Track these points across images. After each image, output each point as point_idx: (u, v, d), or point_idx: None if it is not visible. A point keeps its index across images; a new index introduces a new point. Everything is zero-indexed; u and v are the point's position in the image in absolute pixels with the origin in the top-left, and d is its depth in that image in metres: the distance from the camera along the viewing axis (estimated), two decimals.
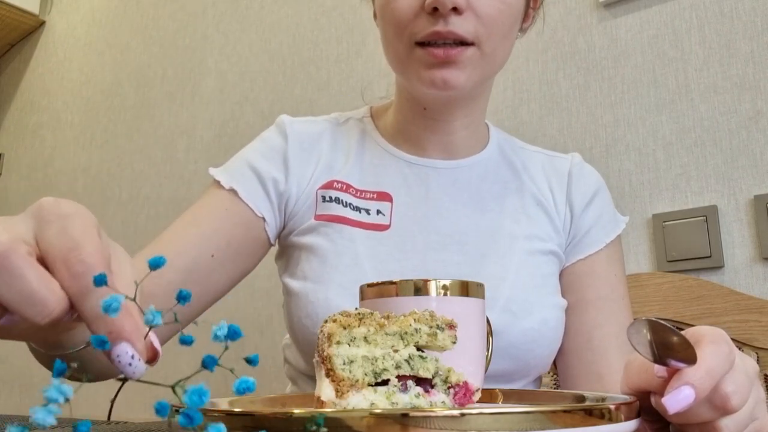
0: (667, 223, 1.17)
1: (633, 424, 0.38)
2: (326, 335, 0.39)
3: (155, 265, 0.33)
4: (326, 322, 0.40)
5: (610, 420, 0.36)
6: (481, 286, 0.52)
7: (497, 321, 0.69)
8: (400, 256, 0.75)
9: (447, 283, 0.50)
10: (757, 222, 1.09)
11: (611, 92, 1.29)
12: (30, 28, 2.92)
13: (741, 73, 1.15)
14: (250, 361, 0.33)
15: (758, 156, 1.11)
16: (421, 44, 0.71)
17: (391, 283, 0.50)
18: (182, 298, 0.32)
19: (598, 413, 0.36)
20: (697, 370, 0.39)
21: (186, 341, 0.32)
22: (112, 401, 0.35)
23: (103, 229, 0.37)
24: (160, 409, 0.27)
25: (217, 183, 0.78)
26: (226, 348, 0.32)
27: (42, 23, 2.90)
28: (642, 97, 1.25)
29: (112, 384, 0.40)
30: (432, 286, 0.49)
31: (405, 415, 0.32)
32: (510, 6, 0.72)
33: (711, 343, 0.41)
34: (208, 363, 0.31)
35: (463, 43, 0.70)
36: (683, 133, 1.20)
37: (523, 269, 0.77)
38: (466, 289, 0.50)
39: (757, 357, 0.98)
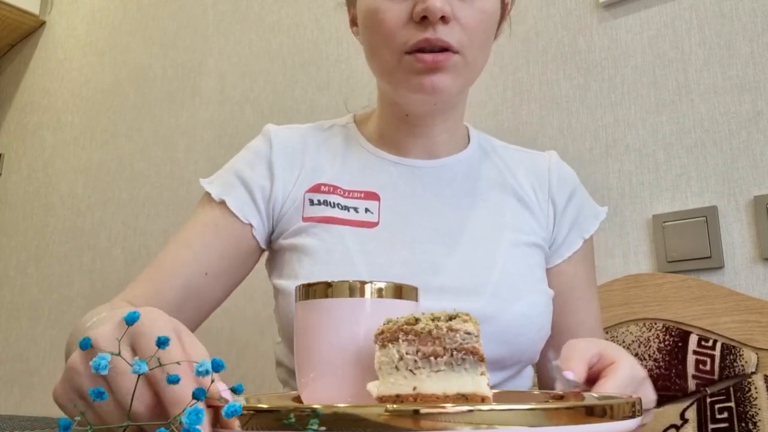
0: (667, 223, 1.17)
1: (634, 422, 0.40)
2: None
3: (131, 321, 0.39)
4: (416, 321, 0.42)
5: (612, 418, 0.38)
6: (414, 289, 0.52)
7: (487, 307, 0.73)
8: (389, 250, 0.77)
9: (382, 285, 0.50)
10: (757, 222, 1.09)
11: (611, 93, 1.29)
12: (30, 29, 2.92)
13: (741, 73, 1.15)
14: (236, 390, 0.39)
15: (758, 156, 1.11)
16: (409, 52, 0.74)
17: (327, 284, 0.49)
18: (161, 343, 0.39)
19: (599, 411, 0.37)
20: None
21: (172, 380, 0.38)
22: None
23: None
24: None
25: (208, 196, 0.81)
26: (213, 381, 0.37)
27: (42, 23, 2.90)
28: (642, 97, 1.25)
29: None
30: (367, 289, 0.49)
31: (416, 411, 0.34)
32: (489, 16, 0.76)
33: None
34: (198, 394, 0.36)
35: (448, 50, 0.73)
36: (683, 133, 1.20)
37: (509, 258, 0.79)
38: (399, 291, 0.50)
39: (757, 357, 0.98)
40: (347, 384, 0.48)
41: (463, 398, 0.40)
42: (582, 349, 0.52)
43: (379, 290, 0.49)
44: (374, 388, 0.42)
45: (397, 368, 0.42)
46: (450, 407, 0.34)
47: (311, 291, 0.50)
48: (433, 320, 0.42)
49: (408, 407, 0.34)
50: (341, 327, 0.49)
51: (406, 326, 0.42)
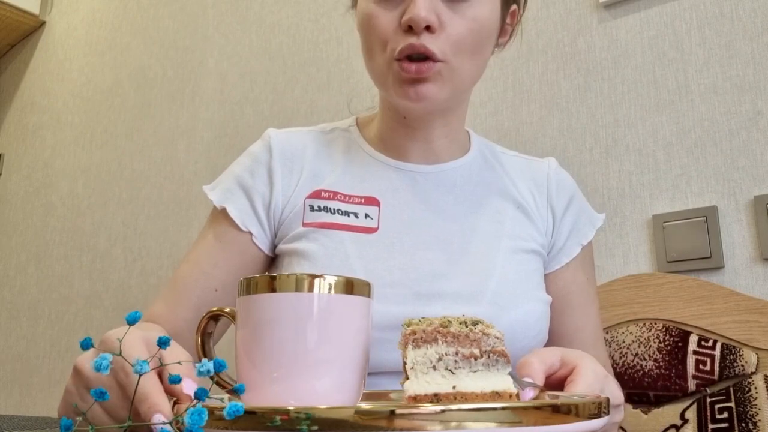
0: (667, 223, 1.17)
1: (601, 421, 0.41)
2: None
3: (132, 320, 0.41)
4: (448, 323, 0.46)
5: (577, 416, 0.39)
6: (367, 285, 0.48)
7: (485, 314, 0.73)
8: (388, 256, 0.78)
9: (332, 280, 0.46)
10: (757, 222, 1.09)
11: (611, 93, 1.29)
12: (30, 29, 2.92)
13: (741, 73, 1.15)
14: (237, 391, 0.41)
15: (758, 156, 1.11)
16: (398, 58, 0.75)
17: (271, 278, 0.46)
18: (162, 343, 0.42)
19: (565, 409, 0.39)
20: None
21: (174, 380, 0.39)
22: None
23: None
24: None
25: (214, 207, 0.84)
26: (214, 381, 0.37)
27: (42, 24, 2.90)
28: (642, 97, 1.25)
29: None
30: (316, 283, 0.46)
31: (392, 412, 0.36)
32: (482, 24, 0.76)
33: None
34: (200, 394, 0.37)
35: (430, 58, 0.74)
36: (683, 133, 1.20)
37: (507, 265, 0.80)
38: (351, 287, 0.47)
39: (757, 357, 0.98)
40: (294, 385, 0.45)
41: (496, 395, 0.44)
42: (541, 355, 0.54)
43: (329, 285, 0.46)
44: (408, 386, 0.44)
45: (434, 368, 0.44)
46: (423, 407, 0.36)
47: (253, 285, 0.46)
48: (461, 324, 0.46)
49: (384, 408, 0.36)
50: (286, 325, 0.45)
51: (441, 328, 0.45)
